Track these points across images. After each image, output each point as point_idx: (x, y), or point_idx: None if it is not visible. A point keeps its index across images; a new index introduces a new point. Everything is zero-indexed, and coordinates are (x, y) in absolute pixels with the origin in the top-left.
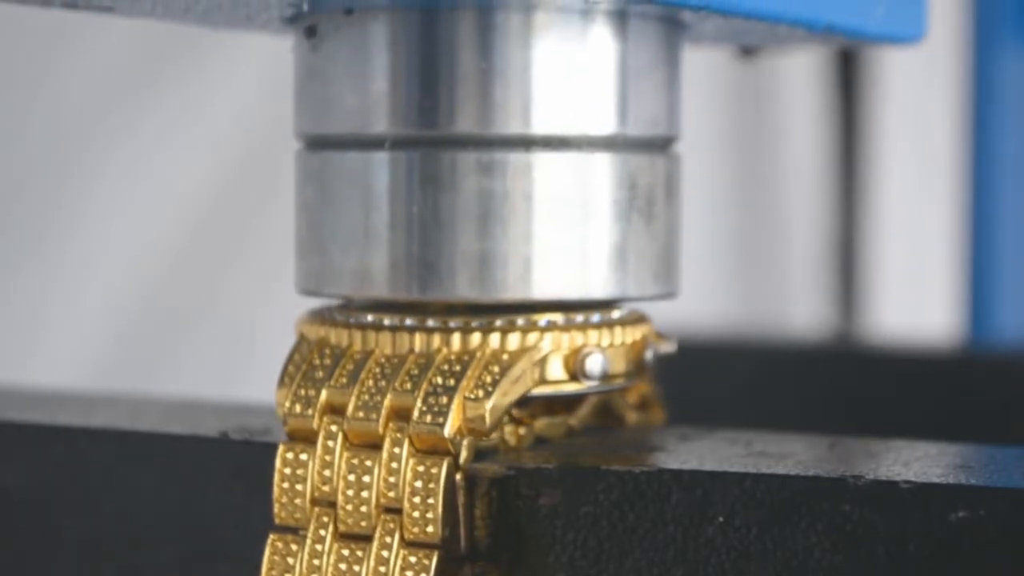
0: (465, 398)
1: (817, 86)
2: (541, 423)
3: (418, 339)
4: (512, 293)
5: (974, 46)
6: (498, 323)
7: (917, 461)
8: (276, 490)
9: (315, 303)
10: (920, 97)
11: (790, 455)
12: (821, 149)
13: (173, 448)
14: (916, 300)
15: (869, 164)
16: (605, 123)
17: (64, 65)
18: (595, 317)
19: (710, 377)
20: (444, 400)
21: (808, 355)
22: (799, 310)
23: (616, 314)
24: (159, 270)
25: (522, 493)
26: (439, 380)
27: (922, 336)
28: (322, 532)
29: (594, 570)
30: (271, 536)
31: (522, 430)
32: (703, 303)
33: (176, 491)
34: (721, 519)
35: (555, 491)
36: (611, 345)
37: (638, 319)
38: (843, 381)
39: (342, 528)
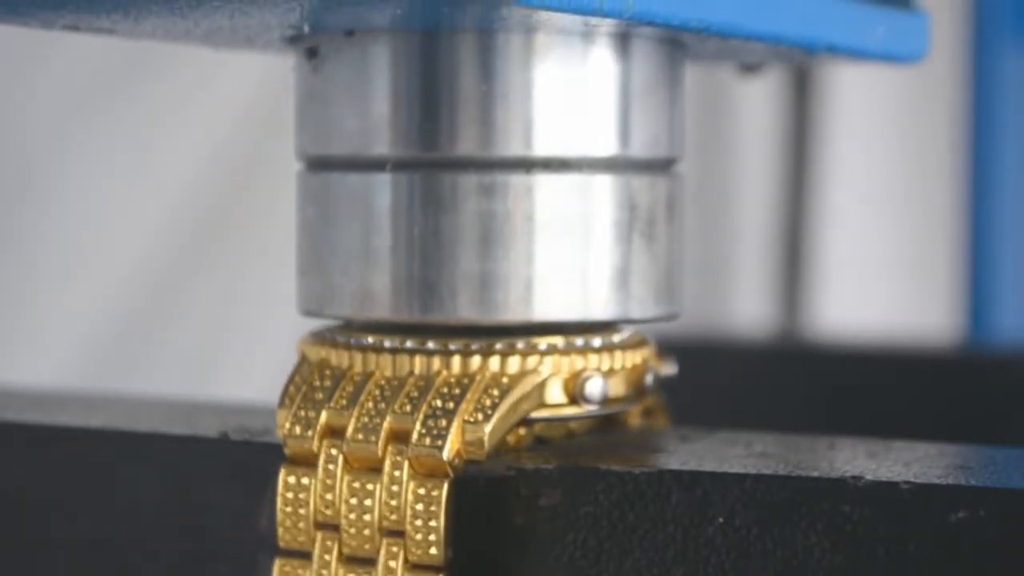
0: (464, 421)
1: (770, 84)
2: (541, 424)
3: (418, 361)
4: (513, 315)
5: (974, 46)
6: (498, 346)
7: (917, 462)
8: (279, 514)
9: (315, 323)
10: (874, 96)
11: (790, 455)
12: (772, 147)
13: (173, 448)
14: (864, 298)
15: (820, 162)
16: (606, 144)
17: (44, 65)
18: (595, 341)
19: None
20: (443, 423)
21: (781, 354)
22: (745, 308)
23: (617, 338)
24: (137, 271)
25: (522, 493)
26: (438, 403)
27: (918, 335)
28: (327, 557)
29: (594, 570)
30: (278, 561)
31: (522, 430)
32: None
33: (176, 491)
34: (721, 519)
35: (555, 491)
36: (611, 369)
37: (639, 342)
38: (843, 380)
39: (346, 551)
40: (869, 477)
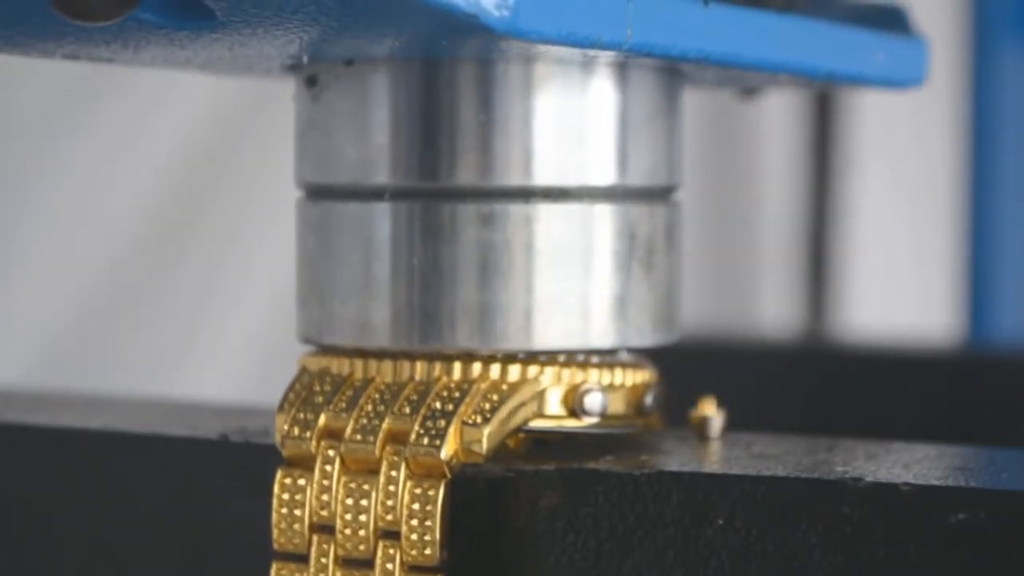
0: (463, 423)
1: (794, 91)
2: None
3: (419, 367)
4: (512, 343)
5: (974, 46)
6: (499, 355)
7: (917, 463)
8: (275, 516)
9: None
10: (895, 101)
11: (790, 457)
12: (795, 150)
13: (173, 450)
14: (889, 301)
15: (842, 166)
16: (605, 174)
17: (11, 70)
18: (596, 357)
19: (689, 377)
20: (442, 423)
21: (803, 355)
22: (769, 310)
23: (618, 357)
24: (100, 269)
25: (522, 495)
26: (438, 405)
27: (919, 335)
28: (323, 560)
29: (594, 571)
30: (274, 564)
31: (521, 435)
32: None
33: (176, 493)
34: (721, 521)
35: (555, 493)
36: (611, 385)
37: (639, 364)
38: (841, 381)
39: (342, 554)
40: (869, 479)
